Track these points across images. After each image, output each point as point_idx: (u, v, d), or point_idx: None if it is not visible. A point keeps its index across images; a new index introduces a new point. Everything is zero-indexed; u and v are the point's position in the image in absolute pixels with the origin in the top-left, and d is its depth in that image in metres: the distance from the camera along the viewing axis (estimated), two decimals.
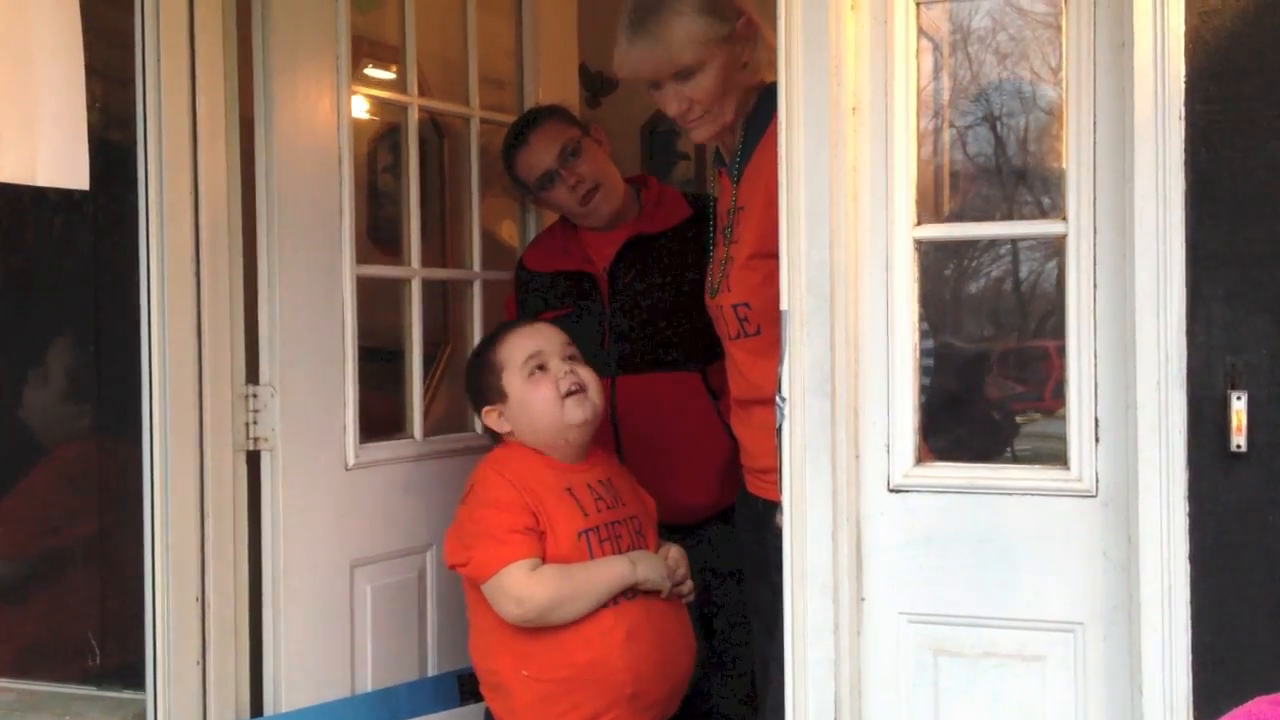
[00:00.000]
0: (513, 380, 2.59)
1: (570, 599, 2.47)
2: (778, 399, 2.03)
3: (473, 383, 2.69)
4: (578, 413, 2.57)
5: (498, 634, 2.54)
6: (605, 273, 3.00)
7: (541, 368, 2.59)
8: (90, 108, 2.13)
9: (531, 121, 3.04)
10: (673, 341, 2.88)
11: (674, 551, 2.67)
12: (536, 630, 2.49)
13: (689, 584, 2.67)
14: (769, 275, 2.17)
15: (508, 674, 2.54)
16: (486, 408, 2.64)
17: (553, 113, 3.04)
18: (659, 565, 2.58)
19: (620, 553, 2.57)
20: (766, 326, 2.29)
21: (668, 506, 2.79)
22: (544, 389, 2.57)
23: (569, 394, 2.57)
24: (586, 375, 2.61)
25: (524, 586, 2.45)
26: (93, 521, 2.85)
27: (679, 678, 2.64)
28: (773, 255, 2.09)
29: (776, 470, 2.24)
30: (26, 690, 2.89)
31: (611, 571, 2.52)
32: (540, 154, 2.97)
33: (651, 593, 2.57)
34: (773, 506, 2.32)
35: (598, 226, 3.03)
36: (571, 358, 2.62)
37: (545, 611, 2.46)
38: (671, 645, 2.62)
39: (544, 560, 2.50)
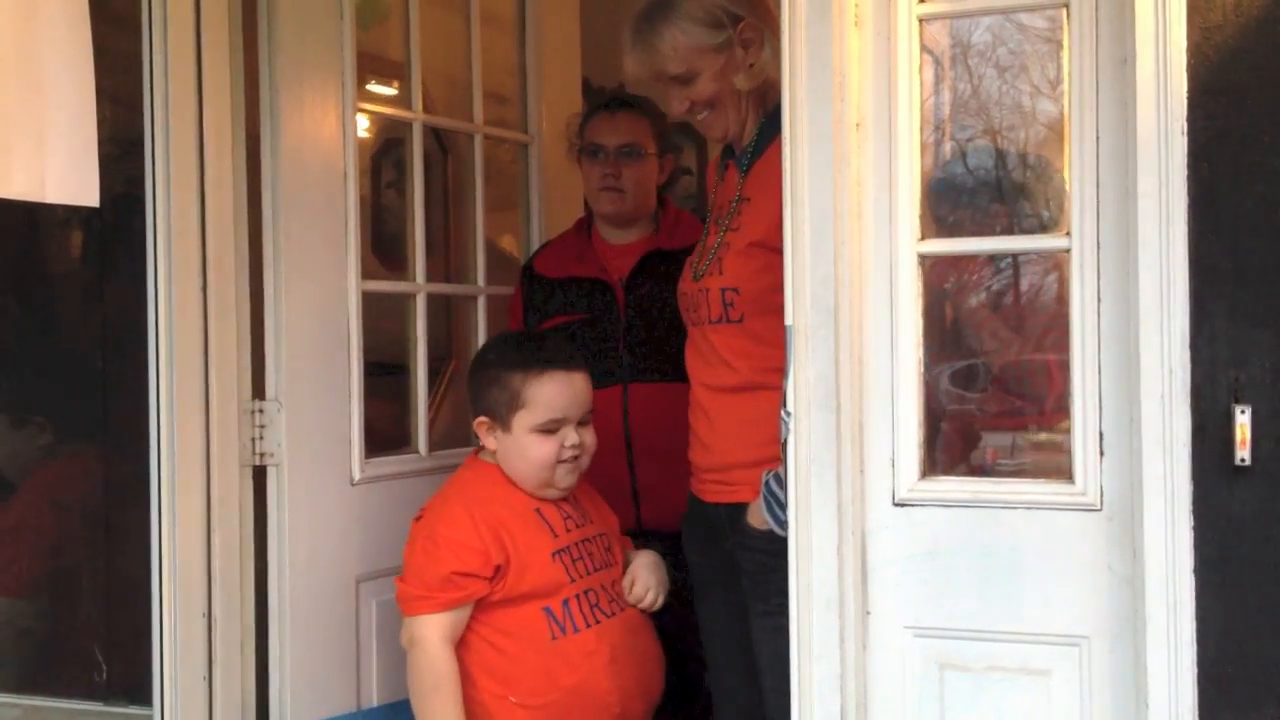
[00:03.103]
0: (522, 423, 2.54)
1: (418, 698, 2.47)
2: (782, 413, 2.04)
3: (484, 389, 2.59)
4: (566, 479, 2.58)
5: (479, 661, 2.50)
6: (621, 283, 3.03)
7: (555, 431, 2.55)
8: (99, 126, 2.14)
9: (627, 103, 3.08)
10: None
11: (637, 562, 2.67)
12: (518, 656, 2.48)
13: (650, 596, 2.63)
14: (768, 264, 2.18)
15: (493, 703, 2.49)
16: (483, 418, 2.60)
17: (646, 111, 3.07)
18: None
19: (592, 571, 2.57)
20: (750, 316, 2.30)
21: (678, 514, 2.79)
22: (546, 449, 2.54)
23: (563, 460, 2.56)
24: (590, 441, 2.60)
25: (423, 647, 2.45)
26: (99, 537, 2.85)
27: (656, 693, 2.66)
28: (776, 250, 2.10)
29: (749, 466, 2.26)
30: (33, 706, 2.89)
31: None
32: (610, 132, 3.03)
33: (629, 606, 2.61)
34: (739, 509, 2.32)
35: (605, 216, 3.08)
36: (583, 423, 2.59)
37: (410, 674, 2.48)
38: (650, 661, 2.65)
39: (492, 597, 2.47)
